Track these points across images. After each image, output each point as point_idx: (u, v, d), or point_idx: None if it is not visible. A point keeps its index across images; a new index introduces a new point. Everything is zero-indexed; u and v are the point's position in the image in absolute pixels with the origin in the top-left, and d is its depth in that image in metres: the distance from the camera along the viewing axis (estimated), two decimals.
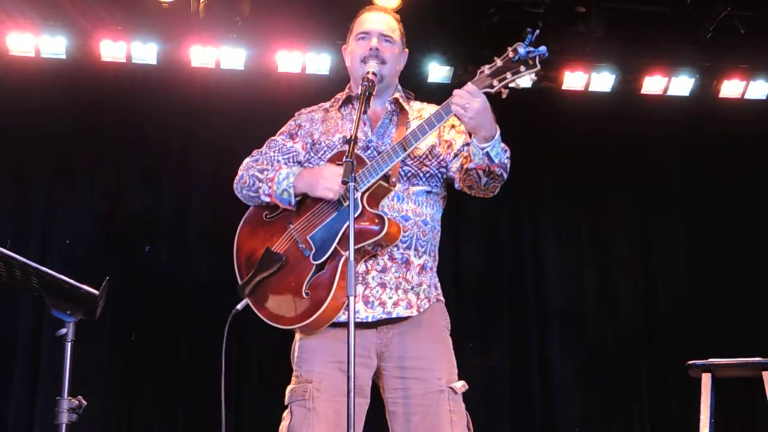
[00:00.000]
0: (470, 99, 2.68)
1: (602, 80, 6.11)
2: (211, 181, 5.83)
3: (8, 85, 5.62)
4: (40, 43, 5.56)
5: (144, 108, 5.80)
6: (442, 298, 3.00)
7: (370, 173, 2.79)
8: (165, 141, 5.94)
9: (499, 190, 2.92)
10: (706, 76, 6.17)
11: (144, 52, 5.67)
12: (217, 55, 5.75)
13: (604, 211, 6.49)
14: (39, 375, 5.50)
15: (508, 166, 2.85)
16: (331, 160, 2.92)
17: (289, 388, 2.88)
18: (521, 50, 2.69)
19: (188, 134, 5.97)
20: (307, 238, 2.84)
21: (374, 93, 2.87)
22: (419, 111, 3.05)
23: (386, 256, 2.86)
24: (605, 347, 6.29)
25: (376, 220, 2.76)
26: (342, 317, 2.78)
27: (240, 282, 2.93)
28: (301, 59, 5.82)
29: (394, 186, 2.85)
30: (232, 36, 5.69)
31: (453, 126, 2.99)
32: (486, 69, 2.76)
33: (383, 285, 2.84)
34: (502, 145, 2.79)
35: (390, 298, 2.84)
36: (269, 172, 2.94)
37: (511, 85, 2.73)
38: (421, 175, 2.94)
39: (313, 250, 2.82)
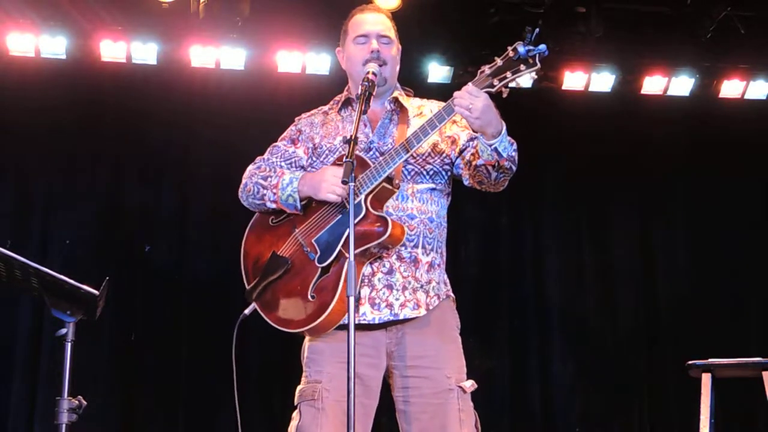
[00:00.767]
0: (472, 99, 2.68)
1: (602, 80, 6.11)
2: (211, 181, 5.84)
3: (8, 85, 5.63)
4: (40, 43, 5.56)
5: (144, 108, 5.80)
6: (452, 294, 3.00)
7: (373, 176, 2.79)
8: (165, 141, 5.94)
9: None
10: (706, 76, 6.17)
11: (144, 52, 5.67)
12: (217, 55, 5.75)
13: (604, 211, 6.49)
14: (39, 375, 5.50)
15: (516, 158, 2.84)
16: (334, 164, 2.93)
17: (298, 388, 2.89)
18: (521, 49, 2.69)
19: (188, 134, 5.97)
20: (312, 241, 2.85)
21: (374, 93, 2.87)
22: (419, 108, 3.05)
23: (394, 257, 2.86)
24: (605, 347, 6.29)
25: (380, 222, 2.76)
26: None
27: (247, 287, 2.94)
28: (301, 59, 5.82)
29: (398, 188, 2.85)
30: (232, 36, 5.69)
31: (454, 121, 2.98)
32: (486, 68, 2.75)
33: (390, 287, 2.84)
34: (509, 138, 2.79)
35: (397, 299, 2.84)
36: (272, 179, 2.95)
37: (511, 84, 2.73)
38: (425, 172, 2.94)
39: (318, 253, 2.82)
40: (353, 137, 2.66)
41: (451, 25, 5.83)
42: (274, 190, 2.92)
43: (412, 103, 3.07)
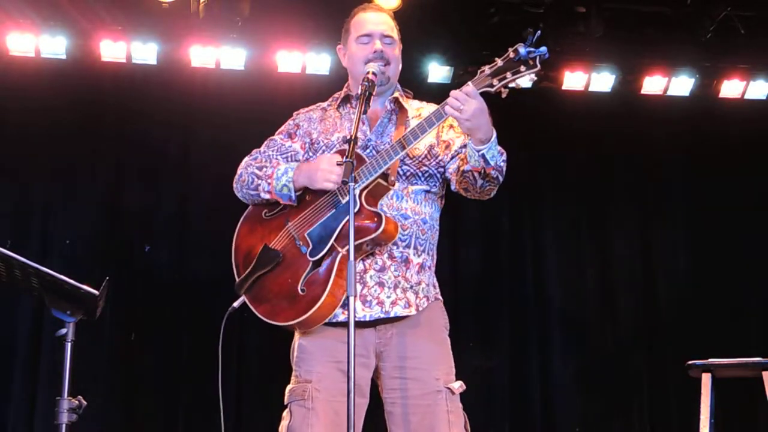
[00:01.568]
0: (466, 100, 2.68)
1: (602, 80, 6.11)
2: (211, 181, 5.83)
3: (8, 85, 5.62)
4: (40, 43, 5.56)
5: (144, 108, 5.80)
6: (440, 297, 3.00)
7: (369, 171, 2.79)
8: (165, 141, 5.94)
9: (496, 192, 2.93)
10: (706, 76, 6.17)
11: (144, 52, 5.67)
12: (217, 55, 5.75)
13: (604, 211, 6.49)
14: (39, 375, 5.50)
15: (504, 169, 2.85)
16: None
17: (288, 387, 2.88)
18: (522, 50, 2.69)
19: (188, 134, 5.97)
20: (305, 234, 2.85)
21: (374, 93, 2.88)
22: (418, 110, 3.05)
23: (385, 255, 2.86)
24: (605, 347, 6.29)
25: (374, 218, 2.76)
26: (340, 316, 2.79)
27: (237, 279, 2.93)
28: (301, 59, 5.82)
29: (393, 185, 2.85)
30: (232, 36, 5.69)
31: (451, 126, 2.99)
32: (486, 69, 2.76)
33: (381, 284, 2.84)
34: (499, 148, 2.80)
35: (388, 297, 2.84)
36: (268, 169, 2.95)
37: (510, 85, 2.73)
38: (420, 174, 2.94)
39: (310, 247, 2.82)
40: (353, 137, 2.66)
41: (451, 25, 5.83)
42: (269, 180, 2.92)
43: (411, 105, 3.07)
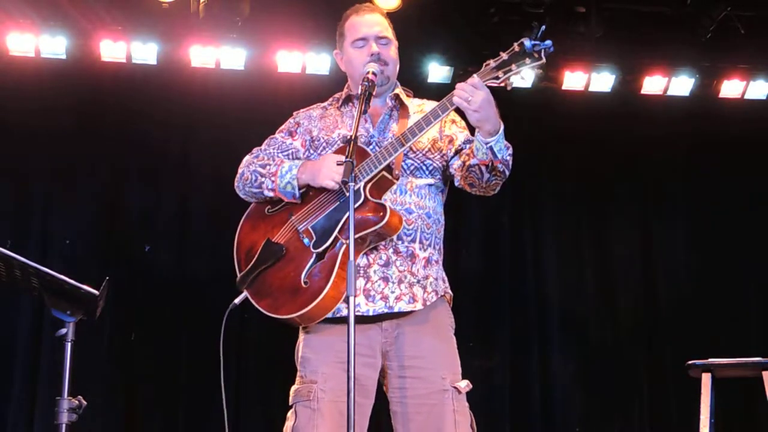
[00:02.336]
0: (473, 92, 2.69)
1: (602, 80, 6.11)
2: (211, 181, 5.83)
3: (8, 85, 5.62)
4: (40, 43, 5.56)
5: (144, 108, 5.80)
6: (450, 292, 2.99)
7: (373, 164, 2.79)
8: (165, 141, 5.94)
9: (499, 189, 2.92)
10: (706, 76, 6.17)
11: (144, 52, 5.67)
12: (217, 55, 5.75)
13: (604, 211, 6.49)
14: (39, 375, 5.50)
15: (510, 163, 2.85)
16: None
17: (293, 388, 2.87)
18: (527, 43, 2.71)
19: (188, 134, 5.97)
20: (308, 227, 2.84)
21: (375, 93, 2.89)
22: (419, 106, 3.06)
23: (390, 250, 2.85)
24: (605, 347, 6.28)
25: (379, 210, 2.76)
26: (344, 311, 2.76)
27: (239, 275, 2.92)
28: (301, 59, 5.82)
29: (397, 179, 2.85)
30: (232, 36, 5.69)
31: (454, 121, 3.00)
32: (492, 62, 2.77)
33: (386, 279, 2.83)
34: (505, 142, 2.80)
35: (392, 292, 2.83)
36: (271, 167, 2.95)
37: (515, 77, 2.74)
38: (424, 168, 2.95)
39: (314, 239, 2.82)
40: (353, 137, 2.66)
41: (451, 25, 5.82)
42: (273, 178, 2.92)
43: (412, 102, 3.08)
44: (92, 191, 5.86)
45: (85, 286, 2.58)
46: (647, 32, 6.00)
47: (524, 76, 2.79)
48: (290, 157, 3.03)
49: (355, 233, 2.69)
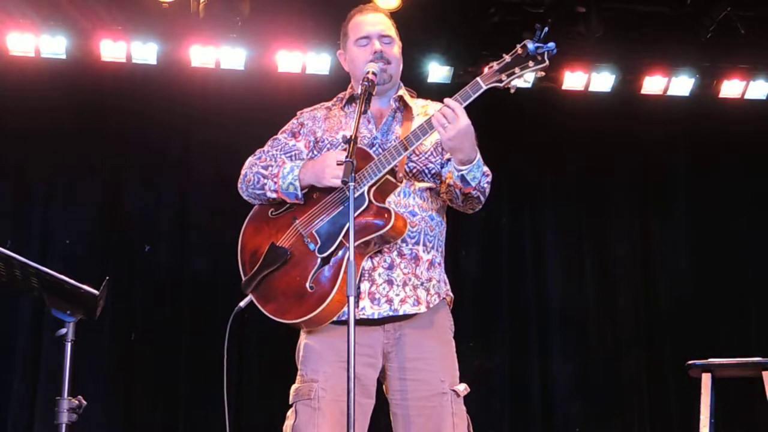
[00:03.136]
0: (455, 119, 2.69)
1: (602, 80, 6.11)
2: (211, 181, 5.83)
3: (8, 85, 5.62)
4: (40, 43, 5.56)
5: (144, 108, 5.80)
6: (451, 294, 3.00)
7: (377, 168, 2.79)
8: (165, 141, 5.94)
9: (481, 207, 2.94)
10: (706, 76, 6.17)
11: (144, 52, 5.67)
12: (217, 55, 5.76)
13: (604, 211, 6.49)
14: (39, 375, 5.50)
15: (487, 190, 2.87)
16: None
17: (294, 387, 2.87)
18: (530, 46, 2.71)
19: (188, 134, 5.97)
20: (313, 232, 2.84)
21: (375, 92, 2.89)
22: (423, 107, 3.06)
23: (395, 252, 2.85)
24: (605, 347, 6.29)
25: (383, 214, 2.76)
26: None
27: (243, 279, 2.92)
28: (301, 59, 5.82)
29: (401, 182, 2.86)
30: (232, 36, 5.69)
31: None
32: (495, 65, 2.77)
33: (390, 282, 2.83)
34: (484, 169, 2.82)
35: (397, 295, 2.83)
36: (273, 168, 2.94)
37: (517, 81, 2.74)
38: (427, 171, 2.95)
39: (319, 244, 2.81)
40: (353, 137, 2.66)
41: (451, 25, 5.83)
42: (275, 179, 2.91)
43: (416, 103, 3.08)
44: (92, 191, 5.86)
45: (85, 286, 2.58)
46: (647, 32, 6.00)
47: (527, 78, 2.78)
48: (293, 158, 3.02)
49: (359, 237, 2.70)
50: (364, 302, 2.80)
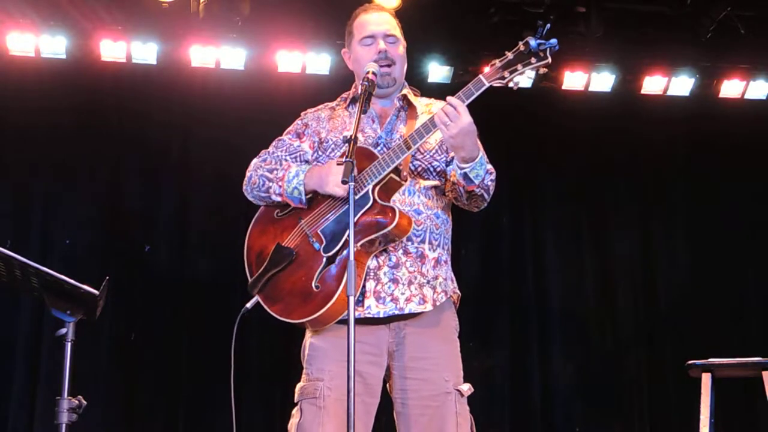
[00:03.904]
0: (456, 117, 2.69)
1: (602, 80, 6.11)
2: (211, 181, 5.84)
3: (8, 85, 5.62)
4: (40, 43, 5.56)
5: (144, 108, 5.80)
6: (458, 292, 3.01)
7: (381, 166, 2.79)
8: (165, 141, 5.94)
9: (486, 205, 2.95)
10: (706, 76, 6.17)
11: (144, 52, 5.67)
12: (217, 55, 5.75)
13: (604, 211, 6.49)
14: (39, 375, 5.50)
15: (491, 188, 2.88)
16: (340, 157, 2.92)
17: (299, 386, 2.87)
18: (533, 42, 2.72)
19: (188, 134, 5.97)
20: (318, 231, 2.84)
21: (378, 93, 2.89)
22: (427, 105, 3.06)
23: (400, 251, 2.85)
24: (605, 347, 6.29)
25: (388, 213, 2.76)
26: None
27: (250, 279, 2.92)
28: (301, 59, 5.82)
29: (406, 180, 2.85)
30: (232, 36, 5.69)
31: None
32: (497, 62, 2.77)
33: (395, 281, 2.83)
34: (488, 166, 2.83)
35: (402, 294, 2.83)
36: (279, 171, 2.95)
37: (520, 77, 2.75)
38: (431, 169, 2.95)
39: (324, 243, 2.82)
40: (353, 137, 2.66)
41: (451, 25, 5.83)
42: (280, 183, 2.92)
43: (420, 102, 3.08)
44: (92, 191, 5.86)
45: (85, 286, 2.58)
46: (647, 32, 6.00)
47: (528, 75, 2.78)
48: (298, 159, 3.02)
49: (364, 236, 2.71)
50: (370, 301, 2.80)
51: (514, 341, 6.19)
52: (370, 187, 2.79)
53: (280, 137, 3.10)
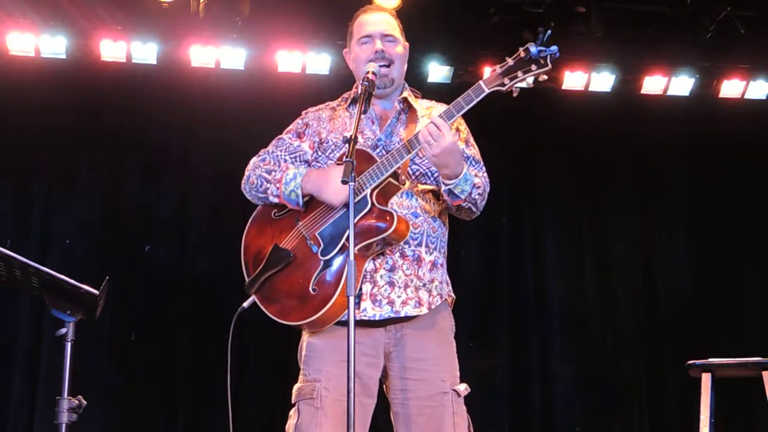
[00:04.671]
0: (440, 137, 2.70)
1: (602, 80, 6.11)
2: (211, 180, 5.84)
3: (8, 85, 5.62)
4: (40, 43, 5.56)
5: (144, 108, 5.80)
6: (453, 295, 3.01)
7: (380, 170, 2.79)
8: (165, 141, 5.94)
9: (478, 214, 2.97)
10: (706, 76, 6.17)
11: (144, 52, 5.67)
12: (217, 55, 5.76)
13: (604, 211, 6.49)
14: (39, 375, 5.50)
15: (480, 201, 2.90)
16: (339, 158, 2.92)
17: (296, 386, 2.88)
18: (533, 49, 2.72)
19: (188, 134, 5.97)
20: (316, 234, 2.85)
21: (377, 93, 2.89)
22: (428, 108, 3.06)
23: (397, 254, 2.86)
24: (605, 347, 6.29)
25: (386, 217, 2.77)
26: None
27: (247, 280, 2.92)
28: (301, 59, 5.82)
29: (404, 184, 2.86)
30: (232, 36, 5.69)
31: (458, 129, 2.99)
32: (498, 68, 2.78)
33: (392, 284, 2.84)
34: (475, 181, 2.84)
35: (399, 297, 2.83)
36: (276, 173, 2.95)
37: (521, 84, 2.75)
38: (429, 174, 2.95)
39: (321, 246, 2.82)
40: (353, 137, 2.66)
41: (451, 25, 5.82)
42: (278, 185, 2.92)
43: (420, 104, 3.08)
44: (92, 191, 5.86)
45: (85, 286, 2.58)
46: (647, 32, 6.00)
47: (530, 82, 2.78)
48: (298, 159, 3.03)
49: (361, 240, 2.71)
50: (366, 304, 2.81)
51: (514, 341, 6.19)
52: (369, 190, 2.79)
53: (280, 136, 3.10)
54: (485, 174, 2.97)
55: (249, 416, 5.64)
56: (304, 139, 3.06)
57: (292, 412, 2.85)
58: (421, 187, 2.93)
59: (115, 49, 5.64)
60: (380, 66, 2.95)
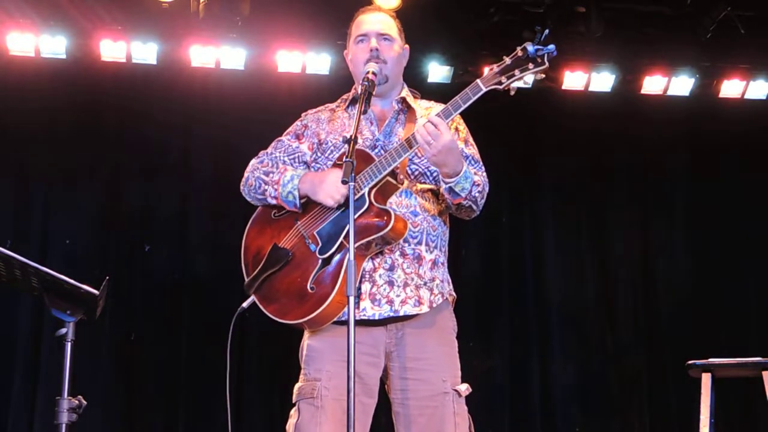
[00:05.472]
0: (438, 136, 2.71)
1: (602, 80, 6.11)
2: (211, 180, 5.84)
3: (8, 85, 5.62)
4: (40, 43, 5.56)
5: (144, 108, 5.80)
6: (454, 294, 3.01)
7: (377, 169, 2.80)
8: (165, 141, 5.94)
9: (478, 213, 2.96)
10: (706, 76, 6.17)
11: (144, 52, 5.67)
12: (217, 55, 5.76)
13: (604, 211, 6.49)
14: (39, 375, 5.50)
15: (480, 199, 2.90)
16: (338, 159, 2.93)
17: (297, 386, 2.88)
18: (530, 48, 2.73)
19: (188, 134, 5.97)
20: (314, 233, 2.85)
21: (374, 92, 2.88)
22: (427, 109, 3.05)
23: (397, 253, 2.86)
24: (605, 347, 6.29)
25: (383, 215, 2.77)
26: None
27: (246, 279, 2.93)
28: (301, 59, 5.82)
29: (402, 183, 2.86)
30: (232, 36, 5.69)
31: (457, 129, 2.99)
32: (495, 67, 2.78)
33: (391, 283, 2.84)
34: (475, 179, 2.84)
35: (398, 296, 2.83)
36: (274, 175, 2.95)
37: (518, 83, 2.75)
38: (428, 173, 2.94)
39: (320, 245, 2.82)
40: (353, 137, 2.66)
41: (451, 25, 5.82)
42: (275, 186, 2.93)
43: (420, 104, 3.08)
44: (92, 191, 5.86)
45: (85, 286, 2.58)
46: (647, 32, 6.00)
47: (527, 80, 2.79)
48: (297, 160, 3.03)
49: (360, 239, 2.71)
50: (365, 303, 2.81)
51: (514, 341, 6.19)
52: (367, 189, 2.79)
53: (279, 138, 3.11)
54: (485, 173, 2.97)
55: (249, 416, 5.64)
56: (303, 140, 3.06)
57: (293, 411, 2.86)
58: (420, 186, 2.93)
59: (115, 49, 5.64)
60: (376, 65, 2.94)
